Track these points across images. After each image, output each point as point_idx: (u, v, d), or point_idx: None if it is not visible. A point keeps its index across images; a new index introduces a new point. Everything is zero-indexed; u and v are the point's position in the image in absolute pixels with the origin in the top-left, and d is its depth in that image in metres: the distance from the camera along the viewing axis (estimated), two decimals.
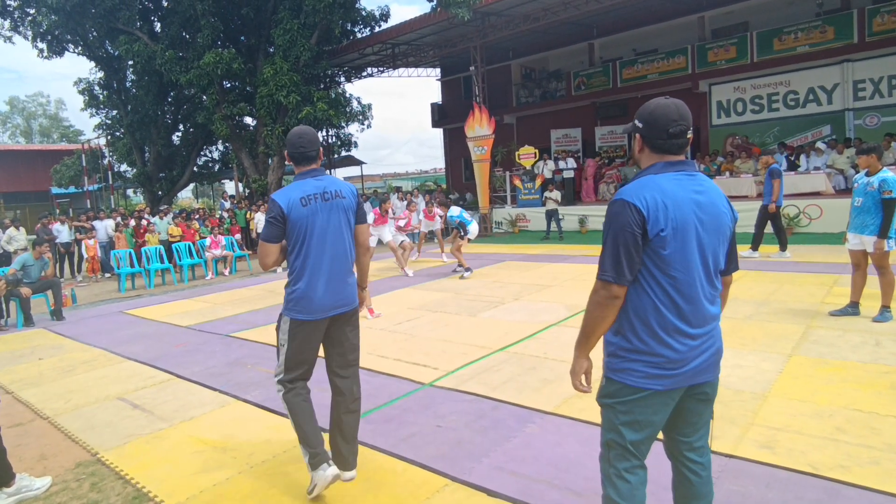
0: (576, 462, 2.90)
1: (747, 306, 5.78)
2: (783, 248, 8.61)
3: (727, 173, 13.66)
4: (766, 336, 4.78)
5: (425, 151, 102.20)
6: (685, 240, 1.70)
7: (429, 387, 4.15)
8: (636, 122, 1.84)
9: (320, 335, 2.77)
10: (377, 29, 18.93)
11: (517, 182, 16.53)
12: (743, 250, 8.62)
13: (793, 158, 13.47)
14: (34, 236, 11.94)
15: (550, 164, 16.70)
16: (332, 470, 2.66)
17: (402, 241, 10.05)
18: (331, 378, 2.84)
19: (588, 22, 17.40)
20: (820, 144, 13.40)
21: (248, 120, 19.36)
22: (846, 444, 2.89)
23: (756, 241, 8.83)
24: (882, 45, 13.00)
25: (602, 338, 1.86)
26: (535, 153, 16.09)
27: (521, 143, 17.16)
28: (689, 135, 1.77)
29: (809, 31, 13.87)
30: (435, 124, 24.42)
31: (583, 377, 1.88)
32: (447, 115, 23.37)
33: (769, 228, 8.82)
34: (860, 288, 5.18)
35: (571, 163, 16.76)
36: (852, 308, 5.18)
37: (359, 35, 19.10)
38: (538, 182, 15.94)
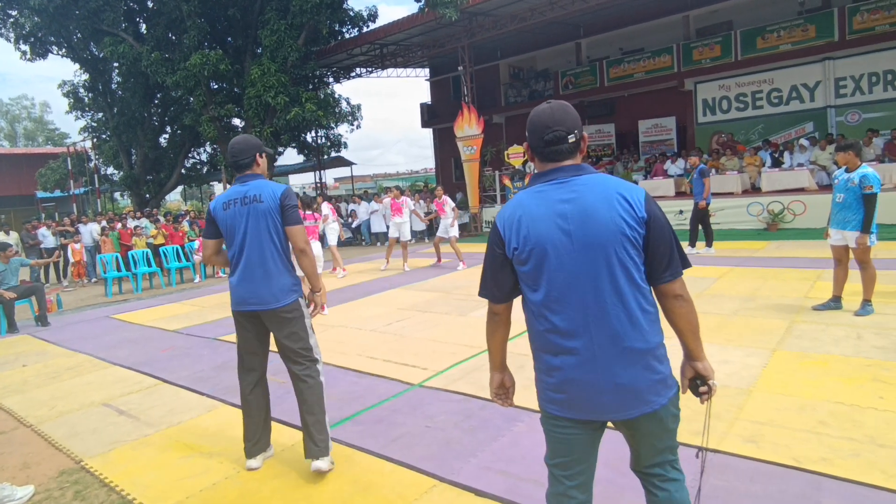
0: None
1: (732, 302, 5.84)
2: (709, 244, 9.27)
3: (713, 171, 13.78)
4: (752, 331, 4.83)
5: (416, 151, 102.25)
6: (543, 255, 1.58)
7: (418, 387, 4.15)
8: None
9: (252, 328, 3.03)
10: (365, 29, 18.90)
11: (506, 181, 16.57)
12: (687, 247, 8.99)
13: (777, 155, 13.62)
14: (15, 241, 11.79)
15: None
16: (252, 462, 3.08)
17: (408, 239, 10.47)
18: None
19: (575, 21, 17.48)
20: (803, 141, 13.56)
21: (237, 121, 19.24)
22: (829, 437, 2.93)
23: (692, 237, 9.33)
24: (862, 42, 13.19)
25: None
26: (524, 152, 16.14)
27: (510, 143, 17.21)
28: (571, 139, 1.62)
29: (792, 30, 14.03)
30: (425, 124, 24.41)
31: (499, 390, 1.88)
32: (437, 115, 23.36)
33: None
34: (842, 282, 5.25)
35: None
36: (834, 302, 5.26)
37: (347, 35, 19.05)
38: (527, 181, 15.98)
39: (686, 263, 1.63)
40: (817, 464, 2.69)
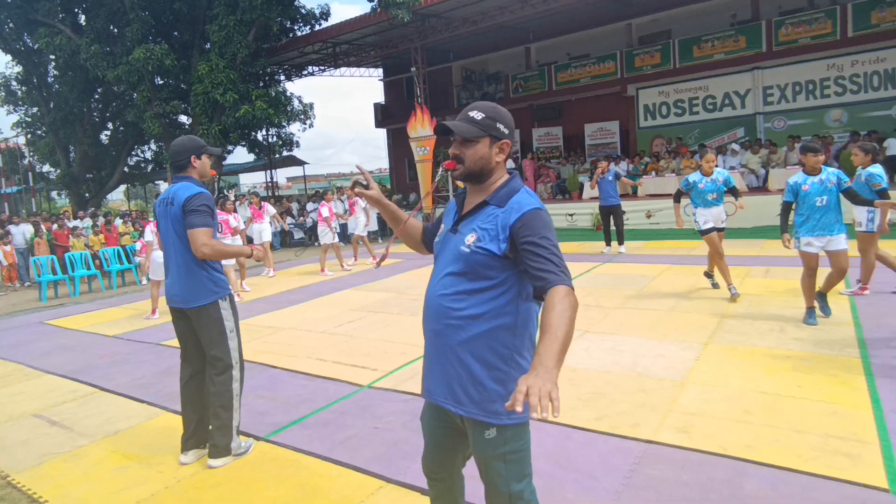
0: None
1: (669, 299, 6.14)
2: (621, 242, 9.89)
3: (653, 173, 14.40)
4: (687, 326, 5.09)
5: (370, 151, 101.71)
6: None
7: (367, 388, 4.16)
8: (502, 127, 1.77)
9: (184, 323, 3.17)
10: (317, 27, 18.63)
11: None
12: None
13: None
14: None
15: None
16: (183, 458, 3.18)
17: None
18: None
19: (524, 26, 17.79)
20: (734, 146, 14.30)
21: (183, 118, 18.58)
22: (752, 425, 3.12)
23: (607, 237, 10.08)
24: (787, 53, 14.06)
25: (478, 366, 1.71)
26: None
27: None
28: None
29: (724, 40, 14.80)
30: (378, 124, 24.24)
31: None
32: (390, 116, 23.26)
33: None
34: (816, 288, 4.99)
35: (510, 163, 17.13)
36: (812, 313, 4.93)
37: (298, 33, 18.73)
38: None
39: None
40: (742, 450, 2.87)
